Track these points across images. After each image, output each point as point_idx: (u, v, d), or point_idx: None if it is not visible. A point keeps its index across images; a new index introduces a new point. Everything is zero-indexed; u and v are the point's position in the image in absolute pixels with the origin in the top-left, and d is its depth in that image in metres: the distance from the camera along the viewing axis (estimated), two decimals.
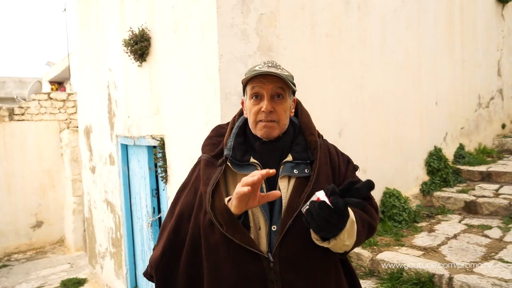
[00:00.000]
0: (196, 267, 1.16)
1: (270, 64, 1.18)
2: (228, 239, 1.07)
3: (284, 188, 1.15)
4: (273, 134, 1.17)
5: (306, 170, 1.16)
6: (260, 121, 1.16)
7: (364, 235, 1.15)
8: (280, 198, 1.13)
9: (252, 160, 1.18)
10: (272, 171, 0.96)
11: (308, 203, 0.97)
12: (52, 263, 7.23)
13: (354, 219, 1.04)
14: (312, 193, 1.10)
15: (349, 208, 1.01)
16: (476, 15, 5.64)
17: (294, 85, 1.20)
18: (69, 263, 7.20)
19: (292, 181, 1.16)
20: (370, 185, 0.92)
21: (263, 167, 1.16)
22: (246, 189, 0.95)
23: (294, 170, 1.16)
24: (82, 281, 5.99)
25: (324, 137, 1.32)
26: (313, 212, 0.94)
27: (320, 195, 0.95)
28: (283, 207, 1.12)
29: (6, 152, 7.64)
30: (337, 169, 1.23)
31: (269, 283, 1.07)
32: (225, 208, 1.06)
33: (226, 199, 1.10)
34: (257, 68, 1.17)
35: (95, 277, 5.65)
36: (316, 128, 1.29)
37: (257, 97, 1.17)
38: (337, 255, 1.15)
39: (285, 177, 1.16)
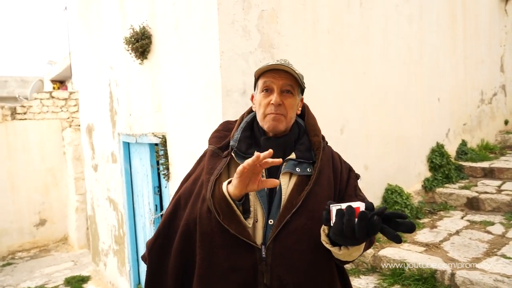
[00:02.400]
0: (188, 254, 1.19)
1: (283, 62, 1.24)
2: (224, 228, 1.10)
3: (285, 184, 1.17)
4: (279, 127, 1.21)
5: (308, 169, 1.20)
6: (269, 114, 1.21)
7: (366, 248, 1.16)
8: (280, 193, 1.16)
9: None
10: (269, 152, 0.98)
11: (344, 205, 0.95)
12: (56, 261, 7.26)
13: None
14: (312, 192, 1.14)
15: None
16: (479, 10, 5.61)
17: (304, 84, 1.27)
18: (72, 260, 7.24)
19: (294, 179, 1.18)
20: (411, 227, 0.90)
21: None
22: (246, 163, 0.99)
23: (297, 168, 1.19)
24: (85, 279, 6.02)
25: (326, 138, 1.35)
26: (346, 216, 0.92)
27: (361, 206, 0.94)
28: (282, 203, 1.15)
29: (9, 151, 7.67)
30: (339, 174, 1.26)
31: (259, 273, 1.11)
32: (224, 197, 1.08)
33: (225, 182, 1.11)
34: (270, 64, 1.23)
35: (98, 274, 5.68)
36: (322, 133, 1.32)
37: (268, 90, 1.23)
38: (333, 259, 1.15)
39: (287, 174, 1.19)
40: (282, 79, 1.20)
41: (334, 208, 0.96)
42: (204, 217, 1.15)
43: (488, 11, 5.87)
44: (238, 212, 1.09)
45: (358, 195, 1.25)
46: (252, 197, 1.16)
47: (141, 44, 3.34)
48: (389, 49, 3.85)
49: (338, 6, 3.26)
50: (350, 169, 1.32)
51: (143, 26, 3.36)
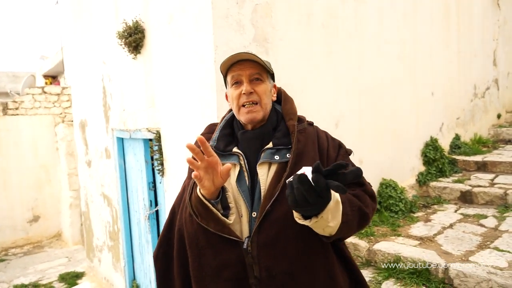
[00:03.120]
0: (186, 258, 1.22)
1: (245, 52, 1.25)
2: (205, 228, 1.12)
3: (264, 175, 1.17)
4: (257, 117, 1.21)
5: (287, 155, 1.18)
6: (243, 105, 1.21)
7: (356, 221, 1.11)
8: (259, 185, 1.17)
9: (234, 150, 1.23)
10: (200, 137, 1.00)
11: (293, 176, 0.92)
12: (50, 257, 7.22)
13: (339, 200, 1.00)
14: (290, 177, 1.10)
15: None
16: (472, 4, 5.62)
17: (272, 70, 1.28)
18: (66, 257, 7.21)
19: (274, 167, 1.18)
20: (357, 172, 0.85)
21: (246, 156, 1.21)
22: (192, 175, 1.02)
23: (275, 156, 1.18)
24: (80, 275, 6.00)
25: (315, 124, 1.34)
26: (294, 185, 0.90)
27: (306, 170, 0.90)
28: (262, 193, 1.15)
29: (1, 147, 7.58)
30: (325, 152, 1.23)
31: (248, 267, 1.11)
32: (198, 199, 1.10)
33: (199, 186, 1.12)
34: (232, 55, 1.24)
35: (93, 270, 5.66)
36: (303, 115, 1.32)
37: (237, 83, 1.24)
38: (325, 240, 1.11)
39: (265, 163, 1.19)
40: (249, 69, 1.21)
41: (287, 181, 0.94)
42: (188, 221, 1.18)
43: (481, 5, 5.89)
44: (215, 210, 1.09)
45: None
46: (235, 193, 1.17)
47: (134, 38, 3.30)
48: (384, 43, 3.85)
49: (332, 0, 3.24)
50: (340, 145, 1.29)
51: (136, 21, 3.32)
